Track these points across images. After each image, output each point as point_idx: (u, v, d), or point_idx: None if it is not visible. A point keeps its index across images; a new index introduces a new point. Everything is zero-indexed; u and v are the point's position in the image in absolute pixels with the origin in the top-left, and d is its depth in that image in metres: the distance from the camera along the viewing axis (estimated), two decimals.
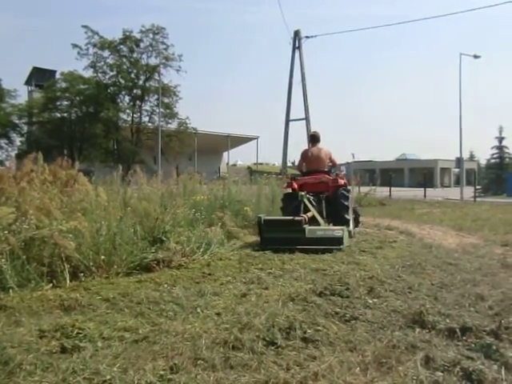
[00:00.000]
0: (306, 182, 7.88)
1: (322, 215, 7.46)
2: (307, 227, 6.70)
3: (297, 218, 6.67)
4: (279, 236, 6.56)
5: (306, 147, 8.87)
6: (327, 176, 7.96)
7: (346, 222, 7.38)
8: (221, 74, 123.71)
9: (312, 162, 8.13)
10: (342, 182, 7.91)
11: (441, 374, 2.41)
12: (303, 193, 7.27)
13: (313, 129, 28.56)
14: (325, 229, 7.01)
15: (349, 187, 8.24)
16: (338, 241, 6.50)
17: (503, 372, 2.44)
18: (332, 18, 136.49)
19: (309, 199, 7.41)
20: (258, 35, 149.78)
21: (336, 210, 7.54)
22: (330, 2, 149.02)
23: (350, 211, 7.87)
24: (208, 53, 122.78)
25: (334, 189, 7.72)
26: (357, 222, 8.43)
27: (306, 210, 7.21)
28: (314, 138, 8.45)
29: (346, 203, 7.65)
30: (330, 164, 8.32)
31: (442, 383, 2.32)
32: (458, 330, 2.99)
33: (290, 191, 7.81)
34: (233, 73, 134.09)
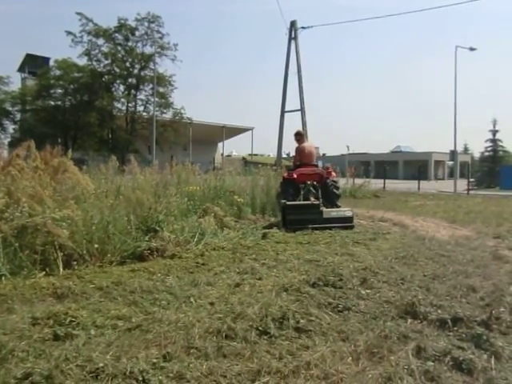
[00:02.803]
0: (302, 172, 8.97)
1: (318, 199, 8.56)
2: (324, 209, 7.93)
3: (315, 202, 8.09)
4: (300, 217, 7.59)
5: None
6: (321, 168, 9.32)
7: (336, 204, 8.72)
8: (215, 64, 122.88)
9: (307, 157, 9.41)
10: (333, 174, 9.34)
11: (432, 363, 2.44)
12: (309, 182, 8.69)
13: (309, 121, 28.64)
14: (337, 210, 8.23)
15: (336, 179, 9.51)
16: (350, 219, 7.80)
17: (493, 361, 2.47)
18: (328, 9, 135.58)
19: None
20: (255, 25, 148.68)
21: (329, 196, 8.75)
22: None
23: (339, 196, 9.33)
24: (202, 43, 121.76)
25: (326, 179, 8.99)
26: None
27: (305, 196, 8.47)
28: (303, 136, 9.94)
29: (336, 191, 9.02)
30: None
31: (432, 372, 2.34)
32: (449, 321, 3.02)
33: (291, 178, 8.89)
34: (229, 64, 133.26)
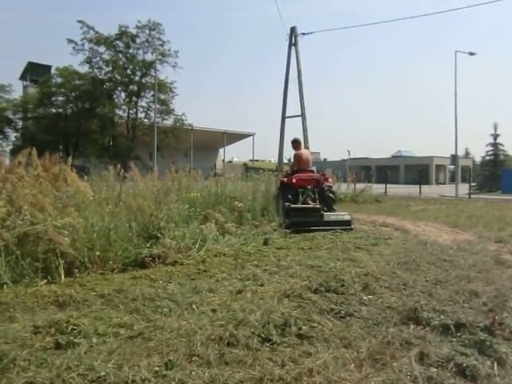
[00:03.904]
0: (301, 178, 9.44)
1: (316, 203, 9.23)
2: (324, 213, 8.50)
3: (317, 206, 8.76)
4: (303, 220, 8.16)
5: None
6: (317, 174, 9.91)
7: (332, 208, 9.26)
8: (217, 70, 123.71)
9: (304, 163, 9.91)
10: (330, 180, 10.12)
11: (435, 369, 2.43)
12: (309, 187, 9.29)
13: (309, 126, 28.67)
14: (337, 214, 8.81)
15: (332, 184, 10.40)
16: (348, 223, 8.34)
17: (496, 367, 2.46)
18: (325, 14, 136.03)
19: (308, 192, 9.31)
20: (256, 31, 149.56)
21: (325, 200, 9.35)
22: None
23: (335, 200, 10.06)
24: (204, 49, 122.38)
25: (322, 184, 9.55)
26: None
27: (304, 200, 9.08)
28: (300, 143, 10.54)
29: (332, 196, 9.66)
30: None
31: (436, 379, 2.33)
32: (452, 327, 3.00)
33: (290, 183, 9.36)
34: (229, 69, 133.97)
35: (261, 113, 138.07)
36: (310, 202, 9.11)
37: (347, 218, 8.49)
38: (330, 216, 8.45)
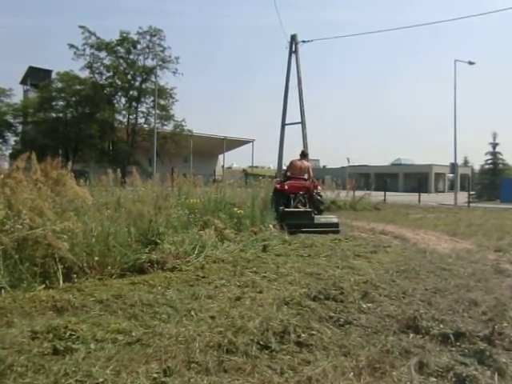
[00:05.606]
0: (293, 184, 10.38)
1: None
2: (315, 216, 9.41)
3: (308, 210, 9.66)
4: (296, 222, 8.87)
5: (300, 149, 11.94)
6: (308, 182, 10.74)
7: (320, 213, 10.22)
8: (217, 77, 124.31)
9: (296, 171, 10.91)
10: (319, 187, 11.02)
11: (434, 379, 2.42)
12: (301, 193, 10.17)
13: (309, 133, 28.90)
14: (326, 217, 9.87)
15: (321, 192, 11.35)
16: (336, 225, 9.22)
17: (496, 378, 2.45)
18: (331, 22, 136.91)
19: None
20: (256, 39, 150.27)
21: (314, 205, 10.19)
22: (328, 5, 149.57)
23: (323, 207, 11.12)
24: (204, 56, 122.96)
25: (313, 191, 10.43)
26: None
27: (295, 205, 9.97)
28: (303, 154, 11.53)
29: (321, 202, 10.64)
30: (307, 174, 11.04)
31: None
32: (451, 336, 2.99)
33: (282, 190, 10.25)
34: (230, 76, 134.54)
35: (261, 119, 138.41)
36: (300, 206, 9.94)
37: (335, 220, 9.43)
38: (320, 219, 9.41)
